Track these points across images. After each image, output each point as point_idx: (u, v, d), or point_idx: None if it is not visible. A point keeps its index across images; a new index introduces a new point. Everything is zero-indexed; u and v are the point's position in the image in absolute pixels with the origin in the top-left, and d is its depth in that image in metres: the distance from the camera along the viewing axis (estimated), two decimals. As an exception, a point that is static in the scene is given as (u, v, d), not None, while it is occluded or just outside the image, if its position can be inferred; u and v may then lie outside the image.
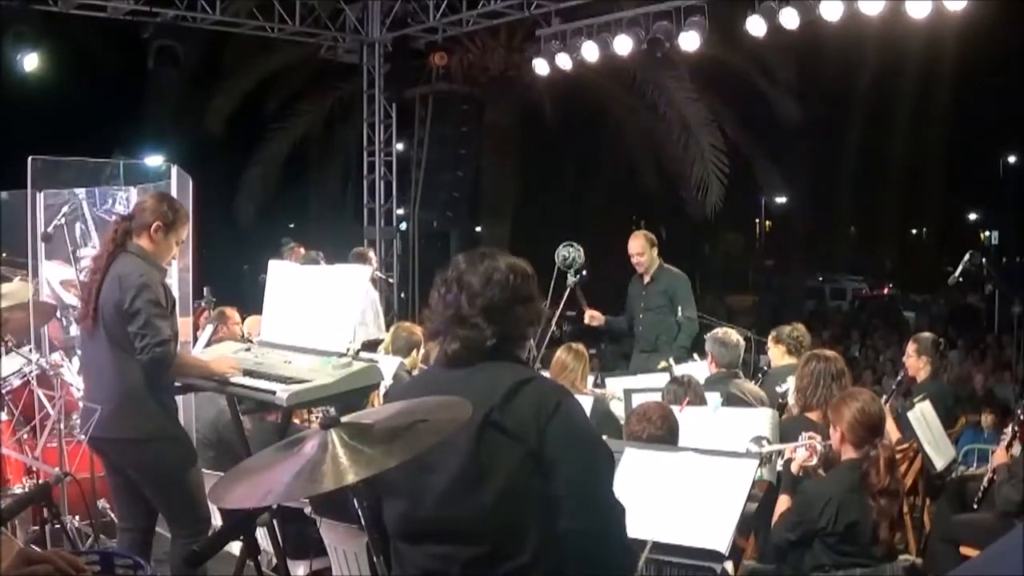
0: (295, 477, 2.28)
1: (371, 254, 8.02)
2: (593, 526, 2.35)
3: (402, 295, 13.02)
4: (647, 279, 7.43)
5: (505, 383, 2.38)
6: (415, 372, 5.89)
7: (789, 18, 8.40)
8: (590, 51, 9.72)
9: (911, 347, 6.40)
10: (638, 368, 7.15)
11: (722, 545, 3.26)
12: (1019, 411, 5.50)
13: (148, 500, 4.22)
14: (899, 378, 6.66)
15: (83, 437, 4.21)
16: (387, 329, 7.23)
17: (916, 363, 6.29)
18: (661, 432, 3.82)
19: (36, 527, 4.16)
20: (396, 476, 2.35)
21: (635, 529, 2.64)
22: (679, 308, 7.26)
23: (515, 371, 2.46)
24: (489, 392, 2.37)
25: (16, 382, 5.45)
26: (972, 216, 41.63)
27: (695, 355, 6.97)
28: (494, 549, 2.33)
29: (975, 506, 5.18)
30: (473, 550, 2.34)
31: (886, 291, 33.83)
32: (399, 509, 2.45)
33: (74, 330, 6.01)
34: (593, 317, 7.52)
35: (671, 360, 6.37)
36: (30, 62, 9.43)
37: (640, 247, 7.40)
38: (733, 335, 5.97)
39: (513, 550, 2.33)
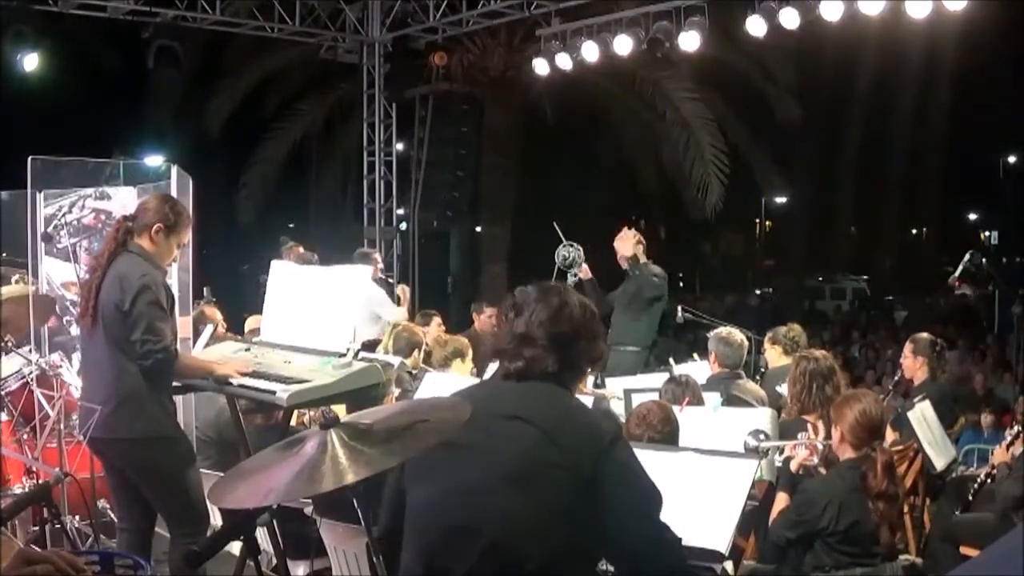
0: (295, 477, 2.28)
1: (376, 255, 8.08)
2: (654, 557, 2.44)
3: (402, 295, 13.00)
4: (629, 275, 7.56)
5: (562, 405, 2.50)
6: (416, 372, 5.89)
7: (789, 18, 8.40)
8: (590, 51, 9.71)
9: (908, 348, 6.26)
10: (612, 363, 7.27)
11: (722, 545, 3.26)
12: (1021, 411, 5.49)
13: (147, 500, 4.22)
14: (896, 379, 6.62)
15: (82, 437, 4.20)
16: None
17: (912, 364, 6.15)
18: (661, 436, 3.79)
19: (36, 527, 4.17)
20: (436, 462, 2.41)
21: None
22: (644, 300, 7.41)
23: (570, 398, 2.58)
24: (546, 409, 2.46)
25: (15, 384, 5.44)
26: (972, 216, 41.63)
27: (695, 355, 6.98)
28: (510, 552, 2.34)
29: (970, 497, 5.16)
30: (488, 547, 2.34)
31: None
32: (427, 496, 2.46)
33: (74, 330, 6.01)
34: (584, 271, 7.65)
35: (671, 360, 6.37)
36: (30, 62, 9.43)
37: (624, 244, 7.52)
38: (737, 335, 5.95)
39: (527, 556, 2.34)
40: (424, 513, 2.46)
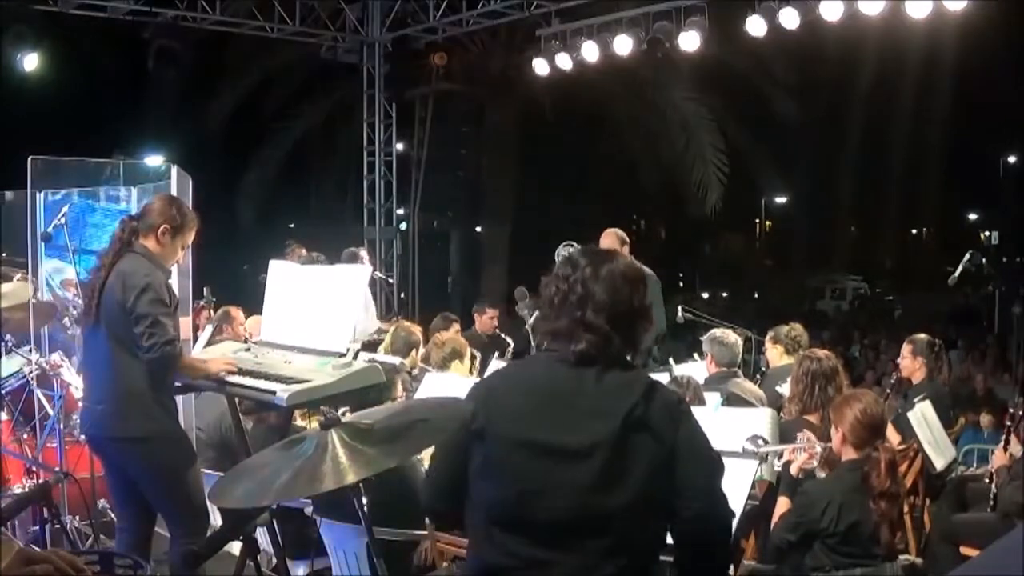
0: (295, 477, 2.29)
1: (363, 253, 7.96)
2: (717, 514, 2.47)
3: (402, 295, 13.02)
4: None
5: (641, 382, 2.46)
6: (415, 372, 5.87)
7: (789, 18, 8.40)
8: (590, 51, 9.72)
9: (906, 348, 6.26)
10: None
11: (722, 545, 3.26)
12: (1013, 411, 5.48)
13: (147, 500, 4.22)
14: (893, 379, 6.61)
15: (83, 437, 4.20)
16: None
17: (911, 364, 6.15)
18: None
19: (36, 527, 4.16)
20: (520, 462, 2.38)
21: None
22: None
23: (641, 373, 2.57)
24: (627, 390, 2.42)
25: (15, 383, 5.45)
26: (972, 216, 41.69)
27: (695, 355, 6.96)
28: (616, 543, 2.34)
29: (989, 512, 5.13)
30: (595, 543, 2.34)
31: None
32: (517, 496, 2.40)
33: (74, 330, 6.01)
34: None
35: (671, 360, 6.36)
36: (30, 62, 9.43)
37: (608, 244, 7.34)
38: (730, 334, 5.94)
39: (633, 545, 2.36)
40: (518, 512, 2.39)
